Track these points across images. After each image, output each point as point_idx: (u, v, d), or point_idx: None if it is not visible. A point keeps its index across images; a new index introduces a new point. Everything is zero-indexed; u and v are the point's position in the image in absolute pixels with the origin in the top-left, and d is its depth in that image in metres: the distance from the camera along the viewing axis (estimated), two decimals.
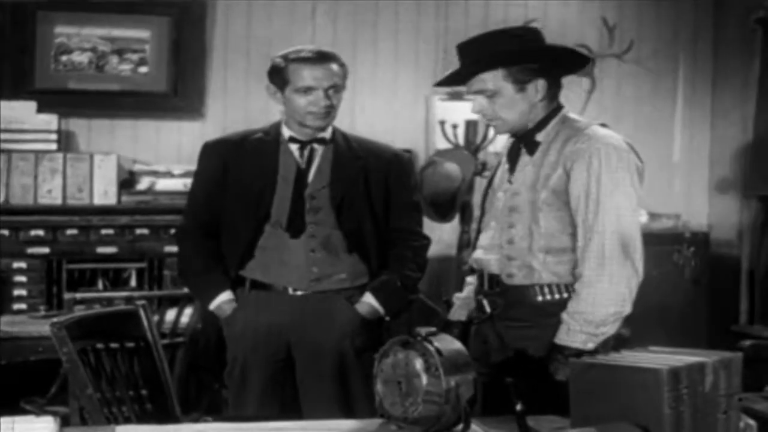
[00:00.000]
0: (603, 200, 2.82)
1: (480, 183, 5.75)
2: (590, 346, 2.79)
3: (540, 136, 2.94)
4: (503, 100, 2.89)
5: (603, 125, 2.95)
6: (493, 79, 2.88)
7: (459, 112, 6.08)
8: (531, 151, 2.94)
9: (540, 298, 2.91)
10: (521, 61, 2.87)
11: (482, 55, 2.87)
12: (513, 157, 2.99)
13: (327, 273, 3.46)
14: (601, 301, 2.80)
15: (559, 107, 2.98)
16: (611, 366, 2.32)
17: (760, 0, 6.12)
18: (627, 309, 2.83)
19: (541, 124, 2.94)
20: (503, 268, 2.95)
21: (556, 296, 2.90)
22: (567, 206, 2.88)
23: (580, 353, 2.72)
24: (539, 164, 2.92)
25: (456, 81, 3.00)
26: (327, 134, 3.50)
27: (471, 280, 3.16)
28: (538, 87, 2.89)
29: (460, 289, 3.23)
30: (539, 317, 2.91)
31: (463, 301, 3.18)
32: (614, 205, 2.82)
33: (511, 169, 2.99)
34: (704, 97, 6.69)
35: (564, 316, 2.84)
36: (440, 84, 3.09)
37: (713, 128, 6.69)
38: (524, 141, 2.96)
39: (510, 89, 2.88)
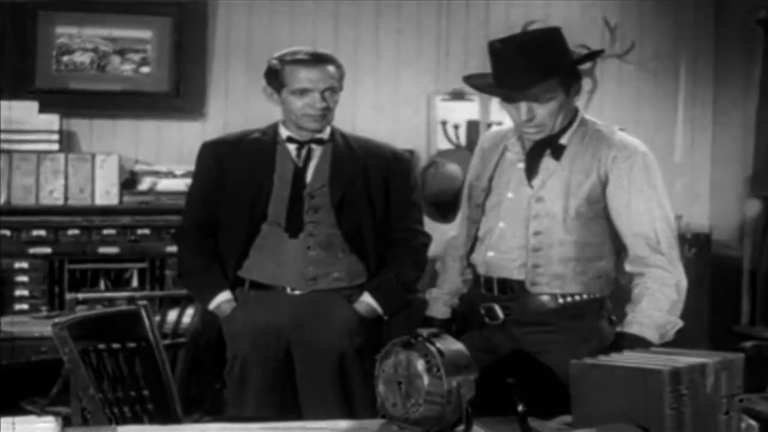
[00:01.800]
0: (650, 207, 2.88)
1: None
2: (657, 340, 2.81)
3: (563, 139, 2.93)
4: (554, 106, 2.87)
5: (621, 129, 2.98)
6: (550, 86, 2.85)
7: (460, 112, 6.09)
8: (557, 156, 2.92)
9: (561, 301, 2.91)
10: (574, 66, 2.91)
11: (541, 63, 2.82)
12: (534, 159, 2.95)
13: (324, 272, 3.46)
14: (677, 303, 2.84)
15: (577, 109, 2.98)
16: (612, 367, 2.33)
17: (761, 0, 6.12)
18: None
19: (566, 127, 2.93)
20: (528, 276, 2.92)
21: (577, 298, 2.91)
22: (601, 214, 2.89)
23: (647, 344, 2.75)
24: (568, 170, 2.90)
25: (512, 88, 2.87)
26: (325, 134, 3.51)
27: (451, 277, 3.16)
28: (577, 90, 2.92)
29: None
30: (562, 320, 2.91)
31: (444, 297, 3.17)
32: (661, 211, 2.90)
33: (530, 171, 2.95)
34: (706, 97, 6.69)
35: (635, 313, 2.83)
36: (487, 90, 3.02)
37: (715, 129, 6.69)
38: (550, 144, 2.92)
39: (561, 95, 2.87)
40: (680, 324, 2.85)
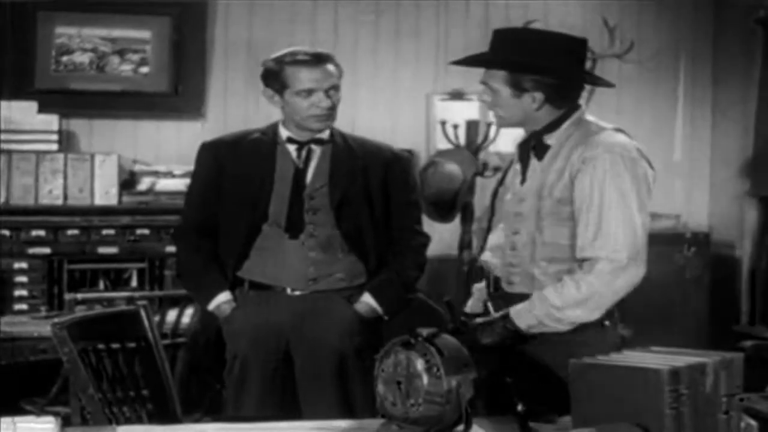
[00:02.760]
0: (605, 212, 2.76)
1: (481, 183, 5.75)
2: (532, 332, 2.78)
3: (550, 139, 2.90)
4: (499, 100, 2.89)
5: (618, 130, 2.90)
6: (495, 78, 2.88)
7: (460, 112, 6.07)
8: (540, 156, 2.90)
9: None
10: (522, 72, 2.85)
11: (496, 52, 2.88)
12: (524, 158, 2.95)
13: (324, 273, 3.47)
14: (577, 303, 2.75)
15: (572, 109, 2.92)
16: (612, 366, 2.33)
17: (761, 0, 6.12)
18: (594, 317, 2.78)
19: (551, 127, 2.90)
20: (505, 275, 2.92)
21: None
22: (572, 216, 2.83)
23: (516, 333, 2.77)
24: (546, 171, 2.87)
25: (472, 64, 2.98)
26: (325, 135, 3.51)
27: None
28: (534, 97, 2.86)
29: (466, 287, 3.22)
30: None
31: (477, 293, 3.14)
32: (617, 217, 2.75)
33: (523, 172, 2.94)
34: (705, 97, 6.69)
35: (535, 295, 2.79)
36: (460, 62, 3.02)
37: (714, 128, 6.69)
38: (534, 142, 2.92)
39: (507, 92, 2.87)
40: (568, 321, 2.76)
